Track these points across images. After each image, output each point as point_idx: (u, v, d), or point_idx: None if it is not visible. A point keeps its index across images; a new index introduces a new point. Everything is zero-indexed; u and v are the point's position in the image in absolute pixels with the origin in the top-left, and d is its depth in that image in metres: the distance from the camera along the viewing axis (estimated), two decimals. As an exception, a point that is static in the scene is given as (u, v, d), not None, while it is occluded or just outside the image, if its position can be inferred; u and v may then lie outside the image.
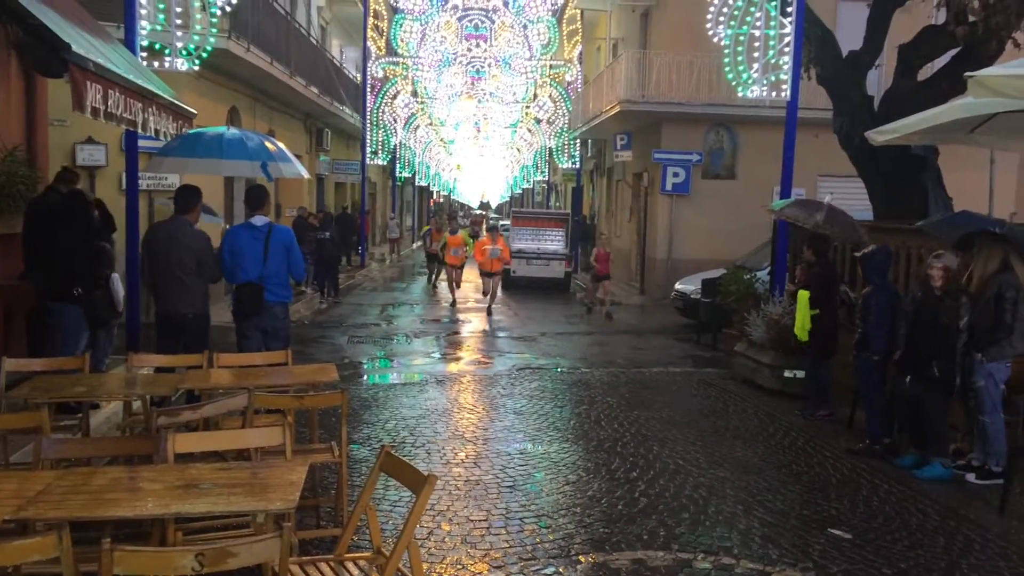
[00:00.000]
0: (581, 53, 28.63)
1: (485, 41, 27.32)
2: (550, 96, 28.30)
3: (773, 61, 10.90)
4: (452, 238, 18.06)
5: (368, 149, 26.56)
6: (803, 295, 8.32)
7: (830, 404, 8.35)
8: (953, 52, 11.02)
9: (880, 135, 8.91)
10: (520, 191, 51.48)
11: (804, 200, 10.53)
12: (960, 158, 13.28)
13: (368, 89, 26.59)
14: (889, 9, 11.46)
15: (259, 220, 6.87)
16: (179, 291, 6.77)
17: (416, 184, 44.54)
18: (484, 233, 19.15)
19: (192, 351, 6.38)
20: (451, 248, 17.90)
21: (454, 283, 18.06)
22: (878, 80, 14.56)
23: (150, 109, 6.45)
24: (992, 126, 8.48)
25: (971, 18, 10.15)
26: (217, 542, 3.51)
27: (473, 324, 15.09)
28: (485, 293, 16.89)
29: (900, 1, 11.45)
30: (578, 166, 28.55)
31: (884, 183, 11.23)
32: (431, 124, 35.75)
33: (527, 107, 30.52)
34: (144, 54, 9.17)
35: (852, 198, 15.23)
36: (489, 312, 16.31)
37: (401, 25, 26.59)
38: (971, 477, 6.42)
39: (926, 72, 11.75)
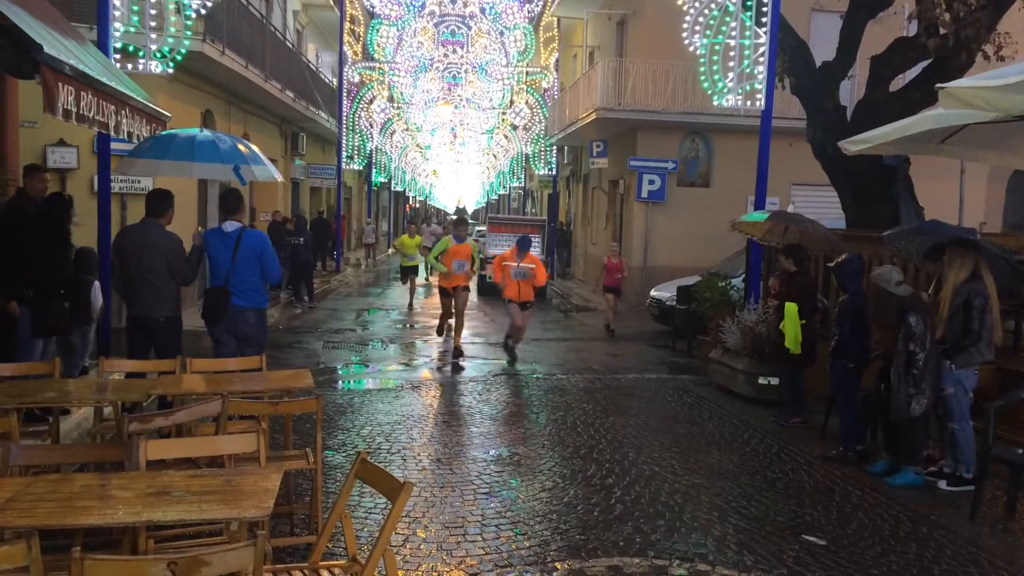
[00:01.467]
0: (558, 60, 28.74)
1: (462, 47, 27.36)
2: (527, 103, 28.38)
3: (748, 71, 10.99)
4: (457, 247, 12.13)
5: (344, 154, 26.47)
6: (791, 307, 8.23)
7: (803, 411, 8.42)
8: (924, 64, 11.19)
9: (853, 145, 9.01)
10: (496, 197, 51.56)
11: (779, 212, 10.58)
12: (931, 168, 13.46)
13: (344, 94, 26.51)
14: (861, 21, 11.61)
15: (230, 225, 6.82)
16: (151, 295, 6.69)
17: (392, 189, 44.44)
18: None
19: (164, 356, 6.31)
20: (451, 261, 12.07)
21: (452, 319, 12.43)
22: (851, 91, 14.73)
23: (123, 112, 6.37)
24: (962, 137, 8.60)
25: (942, 30, 10.32)
26: (190, 550, 3.47)
27: (449, 330, 15.02)
28: (518, 331, 11.81)
29: (872, 13, 11.61)
30: (554, 173, 28.62)
31: (856, 192, 11.37)
32: (407, 129, 35.72)
33: (503, 113, 30.57)
34: (117, 56, 9.08)
35: (825, 207, 15.44)
36: (513, 359, 11.75)
37: (378, 30, 26.56)
38: (942, 484, 6.49)
39: (898, 83, 11.91)
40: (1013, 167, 13.09)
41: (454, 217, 43.83)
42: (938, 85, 6.57)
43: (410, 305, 18.06)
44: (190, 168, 7.45)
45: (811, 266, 9.61)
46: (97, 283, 7.85)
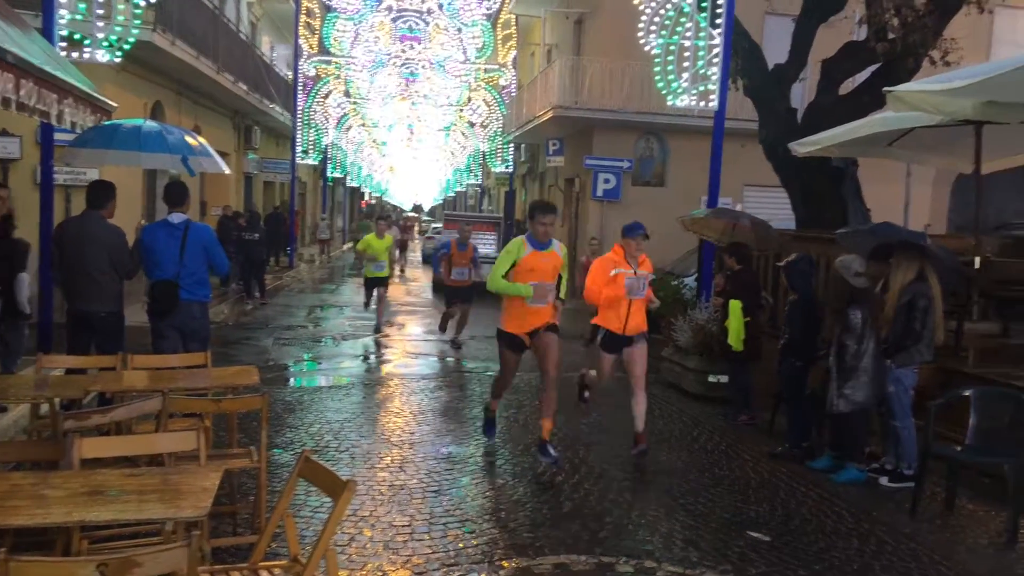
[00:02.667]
0: (515, 58, 28.73)
1: (419, 43, 27.18)
2: (484, 100, 28.34)
3: (702, 72, 11.10)
4: (535, 257, 6.80)
5: (299, 148, 26.16)
6: (735, 304, 8.37)
7: (752, 409, 8.53)
8: (873, 68, 11.39)
9: (803, 147, 9.18)
10: (453, 194, 51.42)
11: (722, 208, 10.74)
12: (878, 171, 13.73)
13: (299, 87, 26.20)
14: (813, 24, 11.78)
15: (176, 217, 6.67)
16: (92, 289, 6.53)
17: (347, 185, 44.06)
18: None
19: (105, 352, 6.17)
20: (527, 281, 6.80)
21: (549, 380, 6.92)
22: (802, 93, 14.95)
23: (66, 101, 6.20)
24: (908, 141, 8.81)
25: (890, 35, 10.52)
26: (126, 551, 3.39)
27: (404, 328, 14.96)
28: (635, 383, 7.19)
29: (824, 17, 11.79)
30: (511, 170, 28.60)
31: (806, 193, 11.54)
32: (364, 125, 35.43)
33: (461, 110, 30.48)
34: (63, 44, 8.86)
35: (776, 207, 15.63)
36: (642, 453, 7.08)
37: (334, 24, 26.29)
38: (884, 480, 6.62)
39: (848, 86, 12.12)
40: (958, 170, 13.40)
41: (409, 213, 42.87)
42: (886, 89, 6.71)
43: (378, 327, 14.09)
44: (138, 158, 7.30)
45: (755, 264, 9.76)
46: (22, 275, 7.56)
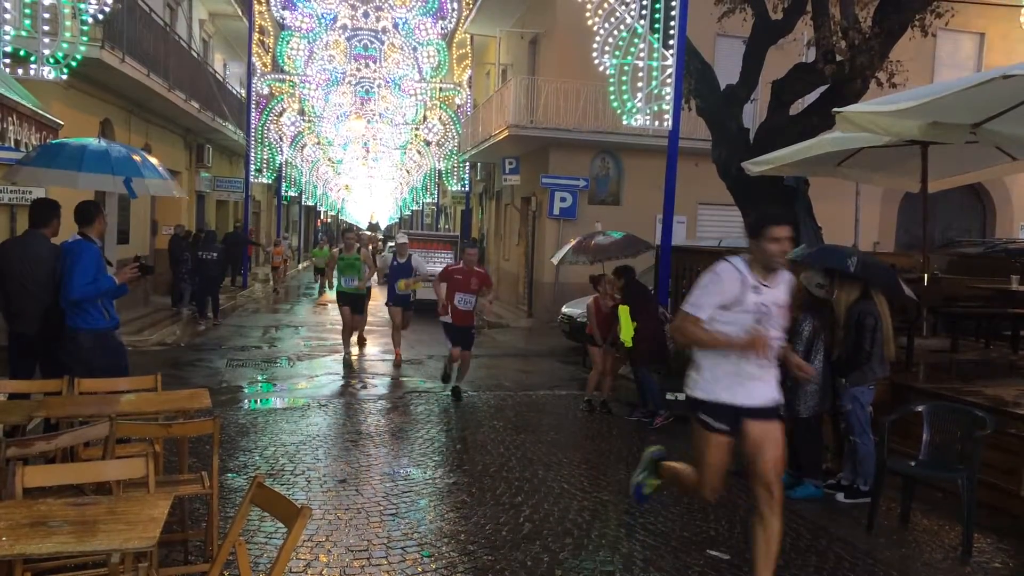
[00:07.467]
0: (471, 77, 28.83)
1: (374, 62, 27.15)
2: (440, 119, 28.35)
3: (655, 91, 11.21)
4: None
5: (252, 167, 25.86)
6: (623, 309, 9.31)
7: (648, 407, 9.25)
8: (822, 89, 11.61)
9: (755, 166, 9.32)
10: (409, 213, 51.30)
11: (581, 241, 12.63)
12: (828, 190, 13.99)
13: (253, 106, 25.95)
14: (763, 46, 11.99)
15: (74, 238, 6.23)
16: (37, 311, 6.32)
17: (303, 203, 43.71)
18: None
19: (50, 376, 5.97)
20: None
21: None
22: (753, 113, 15.20)
23: (10, 118, 6.07)
24: (857, 160, 8.99)
25: (838, 57, 10.75)
26: (70, 584, 3.26)
27: (360, 348, 14.79)
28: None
29: (773, 39, 12.01)
30: (467, 189, 28.62)
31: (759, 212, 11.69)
32: (319, 143, 35.22)
33: (416, 129, 30.47)
34: (7, 61, 8.67)
35: (729, 225, 15.85)
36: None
37: (288, 42, 26.14)
38: (840, 496, 6.67)
39: (798, 107, 12.33)
40: (905, 189, 13.72)
41: (366, 232, 42.63)
42: (835, 109, 6.83)
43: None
44: (76, 178, 7.01)
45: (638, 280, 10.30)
46: None
